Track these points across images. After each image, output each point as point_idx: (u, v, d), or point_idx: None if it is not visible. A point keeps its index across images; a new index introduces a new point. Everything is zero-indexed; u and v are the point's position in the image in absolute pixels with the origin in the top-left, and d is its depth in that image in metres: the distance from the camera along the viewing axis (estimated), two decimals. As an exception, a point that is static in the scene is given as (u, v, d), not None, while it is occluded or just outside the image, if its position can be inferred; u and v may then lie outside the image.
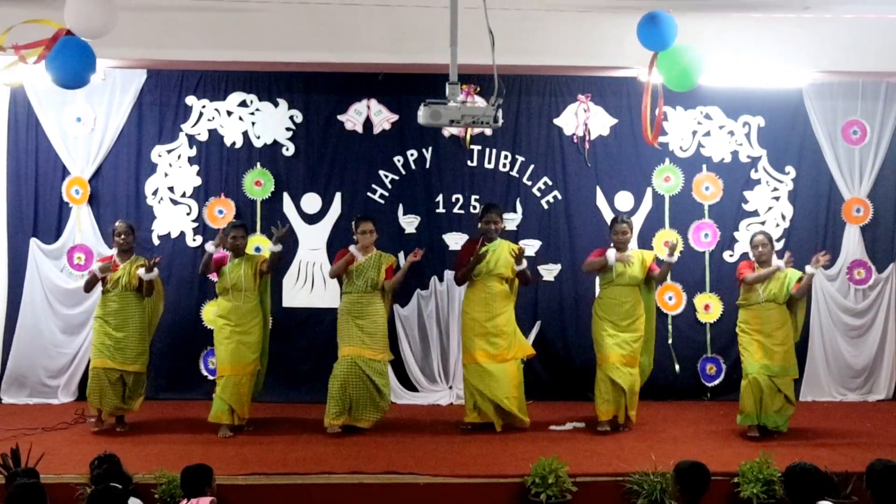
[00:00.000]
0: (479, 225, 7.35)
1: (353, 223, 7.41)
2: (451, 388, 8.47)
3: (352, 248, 7.25)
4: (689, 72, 6.23)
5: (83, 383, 7.94)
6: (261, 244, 8.35)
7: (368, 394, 7.09)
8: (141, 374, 7.29)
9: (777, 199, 8.62)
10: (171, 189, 8.40)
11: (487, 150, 8.51)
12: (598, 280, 7.53)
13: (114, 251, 7.42)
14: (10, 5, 6.83)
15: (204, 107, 8.41)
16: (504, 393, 7.12)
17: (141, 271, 7.20)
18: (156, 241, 8.36)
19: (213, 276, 7.53)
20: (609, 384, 7.14)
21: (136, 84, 8.32)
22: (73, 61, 5.88)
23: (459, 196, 8.50)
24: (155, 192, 8.40)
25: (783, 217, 8.62)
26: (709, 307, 8.49)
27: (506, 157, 8.52)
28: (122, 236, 7.31)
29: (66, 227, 8.34)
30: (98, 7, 5.96)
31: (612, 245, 7.32)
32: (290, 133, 8.45)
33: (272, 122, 8.43)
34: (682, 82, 6.28)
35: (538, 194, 8.54)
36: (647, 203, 8.55)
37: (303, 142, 8.46)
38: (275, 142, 8.44)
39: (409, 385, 8.44)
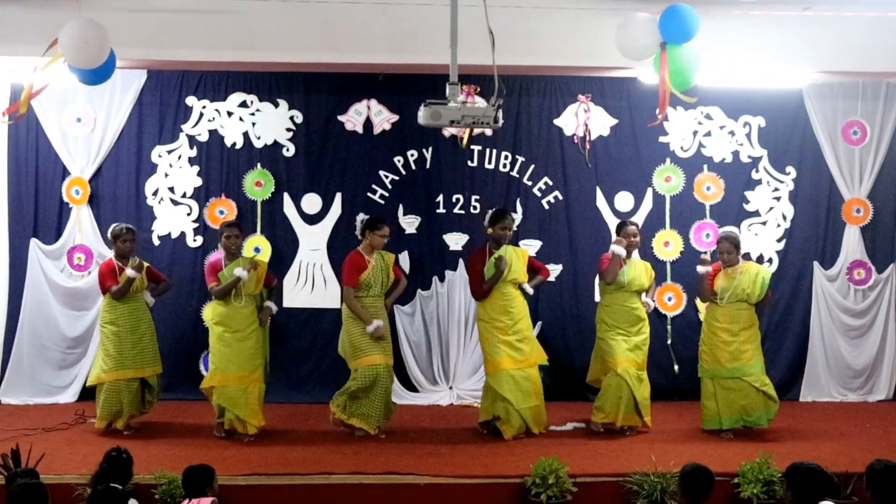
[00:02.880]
0: (492, 231, 7.16)
1: (366, 223, 7.12)
2: (451, 388, 8.47)
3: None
4: (686, 71, 6.26)
5: (84, 384, 7.95)
6: (261, 244, 8.36)
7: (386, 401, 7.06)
8: (160, 374, 7.31)
9: (778, 199, 8.62)
10: (171, 189, 8.40)
11: (488, 151, 8.52)
12: (599, 287, 7.50)
13: (111, 253, 7.31)
14: (10, 5, 6.85)
15: (204, 107, 8.41)
16: (527, 402, 7.02)
17: (129, 271, 7.09)
18: (156, 242, 8.36)
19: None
20: (622, 389, 7.05)
21: (137, 84, 8.32)
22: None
23: (460, 196, 8.50)
24: (155, 193, 8.40)
25: (784, 217, 8.62)
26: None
27: (506, 157, 8.52)
28: (128, 243, 7.20)
29: (66, 227, 8.34)
30: (91, 40, 6.11)
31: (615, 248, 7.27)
32: (291, 133, 8.45)
33: (272, 123, 8.43)
34: (678, 81, 6.32)
35: (538, 194, 8.54)
36: (647, 203, 8.56)
37: (303, 142, 8.46)
38: (275, 142, 8.44)
39: (409, 385, 8.44)
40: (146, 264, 7.35)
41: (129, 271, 7.08)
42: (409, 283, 8.37)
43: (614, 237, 7.41)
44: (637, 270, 7.26)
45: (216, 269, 7.07)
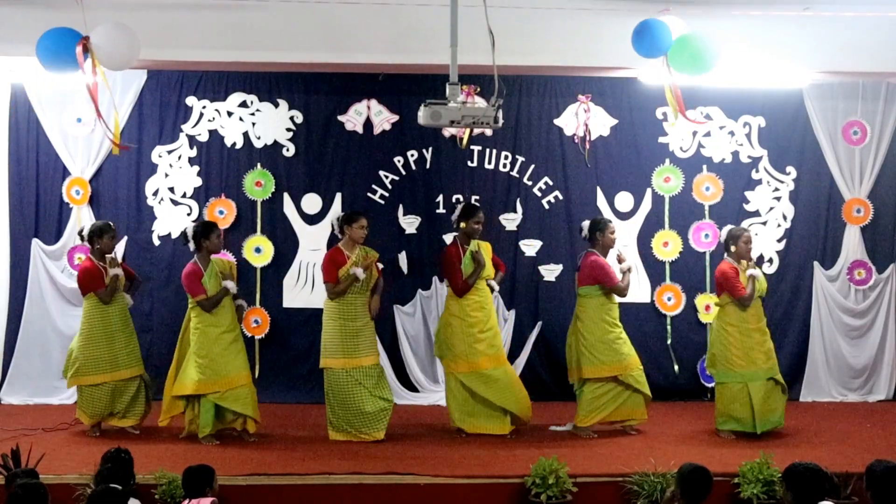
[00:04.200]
0: (465, 225, 7.12)
1: (344, 218, 7.08)
2: (451, 388, 8.46)
3: (356, 270, 6.91)
4: (701, 57, 6.27)
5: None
6: (261, 244, 8.36)
7: (374, 404, 6.94)
8: (143, 374, 7.22)
9: (778, 199, 8.62)
10: (171, 189, 8.40)
11: (487, 151, 8.52)
12: (589, 288, 7.19)
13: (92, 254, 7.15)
14: (10, 5, 6.85)
15: (204, 107, 8.41)
16: (514, 396, 7.03)
17: (115, 269, 7.02)
18: (156, 242, 8.36)
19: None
20: (622, 391, 7.05)
21: (137, 84, 8.32)
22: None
23: (459, 196, 8.49)
24: (155, 193, 8.40)
25: (784, 217, 8.62)
26: (709, 308, 8.45)
27: (506, 157, 8.52)
28: (116, 239, 7.19)
29: (67, 227, 8.34)
30: (123, 42, 6.15)
31: (593, 246, 7.16)
32: (291, 133, 8.45)
33: (272, 123, 8.43)
34: (696, 67, 6.34)
35: (538, 194, 8.54)
36: (646, 203, 8.56)
37: (303, 142, 8.46)
38: (275, 142, 8.44)
39: (409, 385, 8.44)
40: (120, 260, 7.29)
41: (116, 270, 7.03)
42: (409, 283, 8.42)
43: (584, 232, 7.23)
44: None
45: (199, 276, 6.87)
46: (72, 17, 6.33)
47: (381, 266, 7.20)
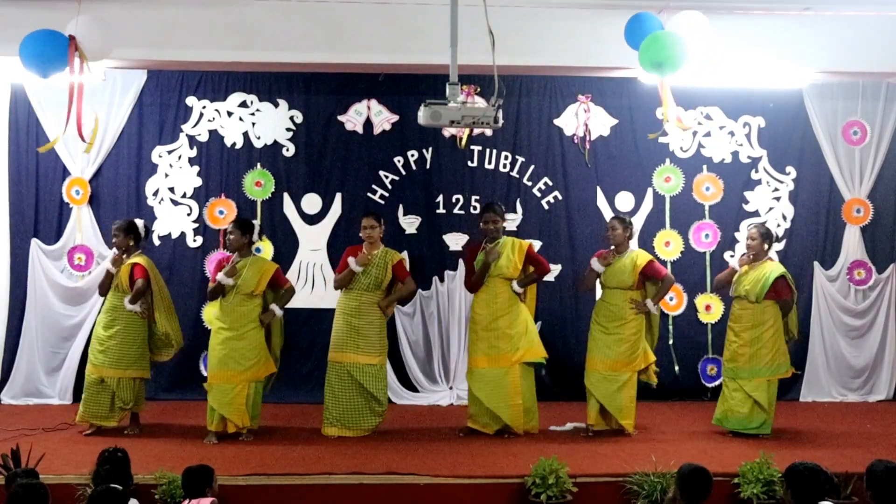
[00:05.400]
0: (480, 225, 7.26)
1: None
2: (451, 388, 8.47)
3: (350, 260, 7.05)
4: (664, 59, 6.14)
5: (82, 384, 7.93)
6: (261, 244, 8.35)
7: (364, 401, 7.01)
8: (123, 380, 7.01)
9: (778, 199, 8.63)
10: (171, 190, 8.41)
11: (487, 151, 8.52)
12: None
13: (112, 253, 7.30)
14: (9, 5, 6.85)
15: (204, 107, 8.42)
16: (503, 401, 6.96)
17: (104, 262, 7.20)
18: (156, 242, 8.36)
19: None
20: (589, 392, 7.10)
21: (137, 84, 8.33)
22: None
23: (459, 196, 8.50)
24: (155, 193, 8.40)
25: (784, 217, 8.62)
26: (710, 307, 8.49)
27: (506, 157, 8.52)
28: (113, 238, 7.19)
29: (67, 227, 8.35)
30: (99, 31, 6.19)
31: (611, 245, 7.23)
32: (291, 133, 8.45)
33: (272, 123, 8.43)
34: (661, 67, 6.23)
35: (538, 195, 8.54)
36: (647, 203, 8.56)
37: (303, 142, 8.47)
38: (275, 142, 8.44)
39: (409, 385, 8.45)
40: (131, 261, 7.07)
41: (107, 265, 7.11)
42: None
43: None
44: (615, 268, 7.10)
45: (220, 266, 7.02)
46: (71, 17, 6.33)
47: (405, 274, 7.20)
